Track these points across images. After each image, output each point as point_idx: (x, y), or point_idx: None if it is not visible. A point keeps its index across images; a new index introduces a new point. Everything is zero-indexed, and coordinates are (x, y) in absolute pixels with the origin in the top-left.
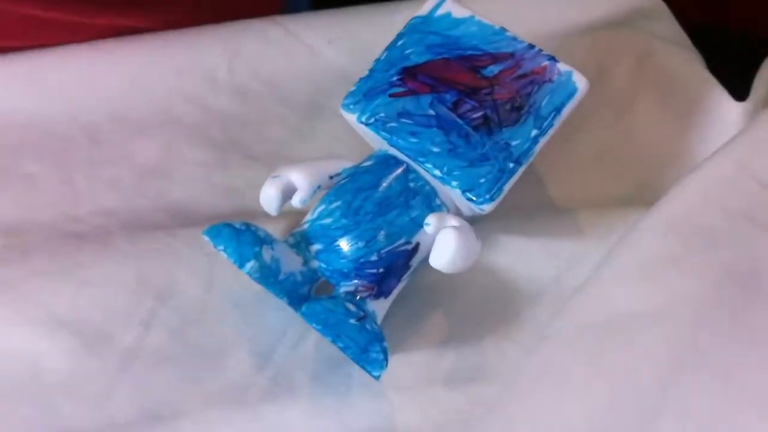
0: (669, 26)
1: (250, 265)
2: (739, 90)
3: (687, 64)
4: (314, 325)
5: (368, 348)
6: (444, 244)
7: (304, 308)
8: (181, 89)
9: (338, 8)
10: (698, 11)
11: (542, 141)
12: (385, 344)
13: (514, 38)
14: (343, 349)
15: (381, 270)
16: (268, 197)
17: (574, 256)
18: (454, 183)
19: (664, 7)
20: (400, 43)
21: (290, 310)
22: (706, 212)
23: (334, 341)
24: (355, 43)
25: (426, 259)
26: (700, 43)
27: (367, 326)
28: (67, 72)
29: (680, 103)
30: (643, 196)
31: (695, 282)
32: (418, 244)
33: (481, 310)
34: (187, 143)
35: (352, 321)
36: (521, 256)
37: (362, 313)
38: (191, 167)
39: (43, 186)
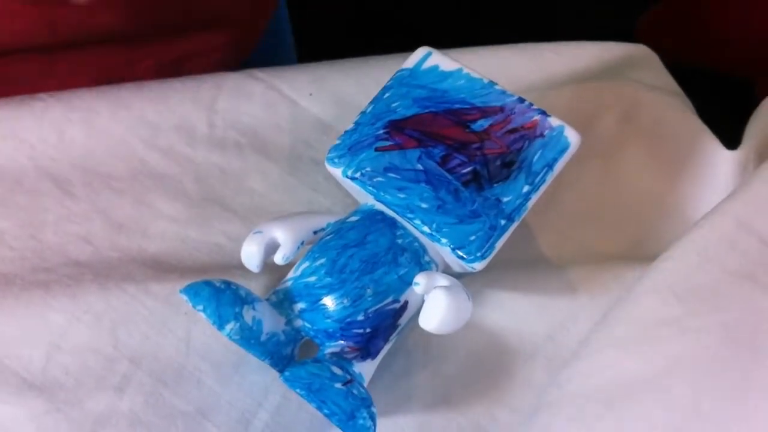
0: (658, 74)
1: (230, 327)
2: (728, 134)
3: (677, 112)
4: (298, 390)
5: (355, 414)
6: (434, 306)
7: (287, 373)
8: (154, 141)
9: (318, 62)
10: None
11: (534, 197)
12: (373, 409)
13: (504, 92)
14: (329, 416)
15: (368, 330)
16: (250, 254)
17: (568, 313)
18: (444, 240)
19: (653, 54)
20: (386, 95)
21: (272, 370)
22: (706, 273)
23: (319, 408)
24: (336, 96)
25: (414, 317)
26: (690, 88)
27: (354, 391)
28: (36, 124)
29: (670, 153)
30: (634, 250)
31: (696, 345)
32: (406, 302)
33: (472, 371)
34: (163, 197)
35: (338, 385)
36: (513, 313)
37: (348, 377)
38: (167, 222)
39: (10, 241)
